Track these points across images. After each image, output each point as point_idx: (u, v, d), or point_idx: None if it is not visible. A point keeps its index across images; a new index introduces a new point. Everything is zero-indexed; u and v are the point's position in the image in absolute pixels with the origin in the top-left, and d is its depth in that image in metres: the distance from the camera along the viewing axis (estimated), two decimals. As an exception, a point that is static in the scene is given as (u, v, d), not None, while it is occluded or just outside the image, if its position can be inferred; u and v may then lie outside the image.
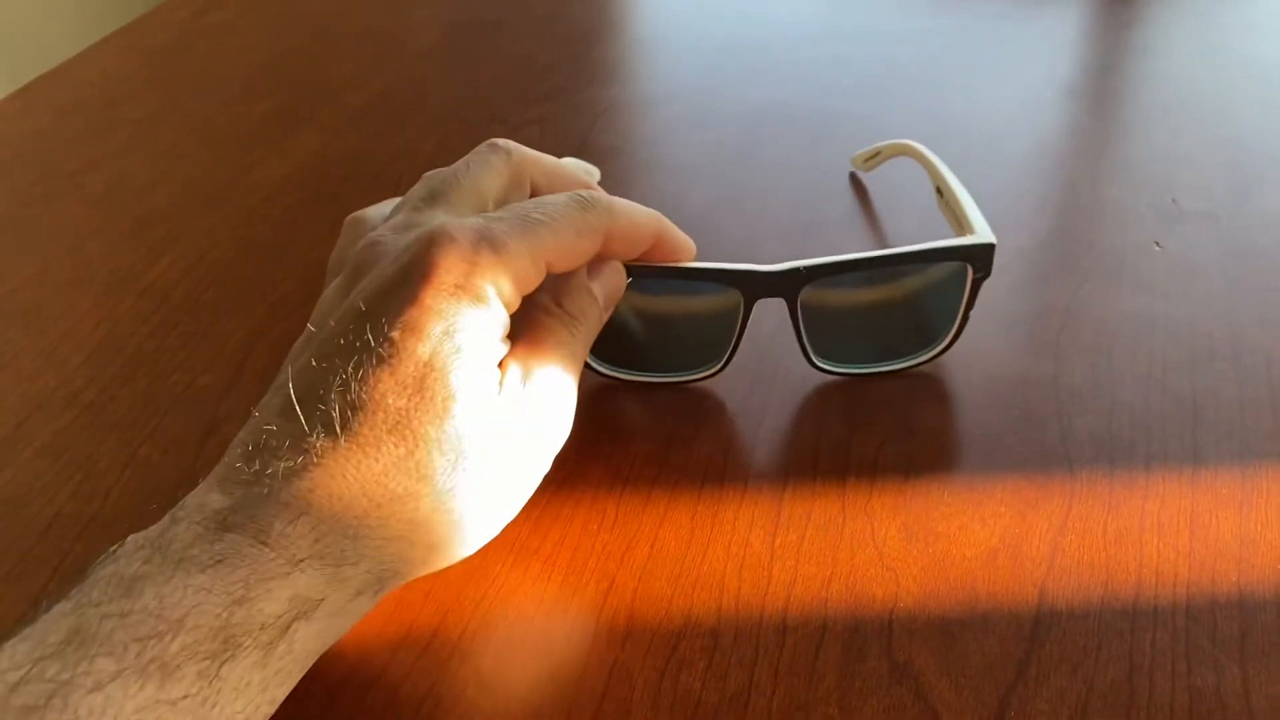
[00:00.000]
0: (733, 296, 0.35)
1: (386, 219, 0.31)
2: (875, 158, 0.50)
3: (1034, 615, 0.29)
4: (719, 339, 0.36)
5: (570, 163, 0.38)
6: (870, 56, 0.63)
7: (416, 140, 0.55)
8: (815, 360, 0.37)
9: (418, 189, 0.32)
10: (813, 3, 0.70)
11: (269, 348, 0.40)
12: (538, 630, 0.29)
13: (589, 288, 0.32)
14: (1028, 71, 0.61)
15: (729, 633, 0.29)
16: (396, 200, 0.33)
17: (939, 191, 0.42)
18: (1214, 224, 0.46)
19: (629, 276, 0.33)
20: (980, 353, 0.39)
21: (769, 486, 0.33)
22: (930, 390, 0.37)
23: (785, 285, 0.35)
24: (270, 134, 0.57)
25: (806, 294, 0.35)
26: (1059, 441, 0.35)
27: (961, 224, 0.38)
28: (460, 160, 0.33)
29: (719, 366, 0.37)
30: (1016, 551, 0.31)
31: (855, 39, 0.66)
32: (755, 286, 0.34)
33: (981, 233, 0.36)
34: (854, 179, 0.50)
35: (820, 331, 0.36)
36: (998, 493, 0.33)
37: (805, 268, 0.34)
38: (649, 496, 0.33)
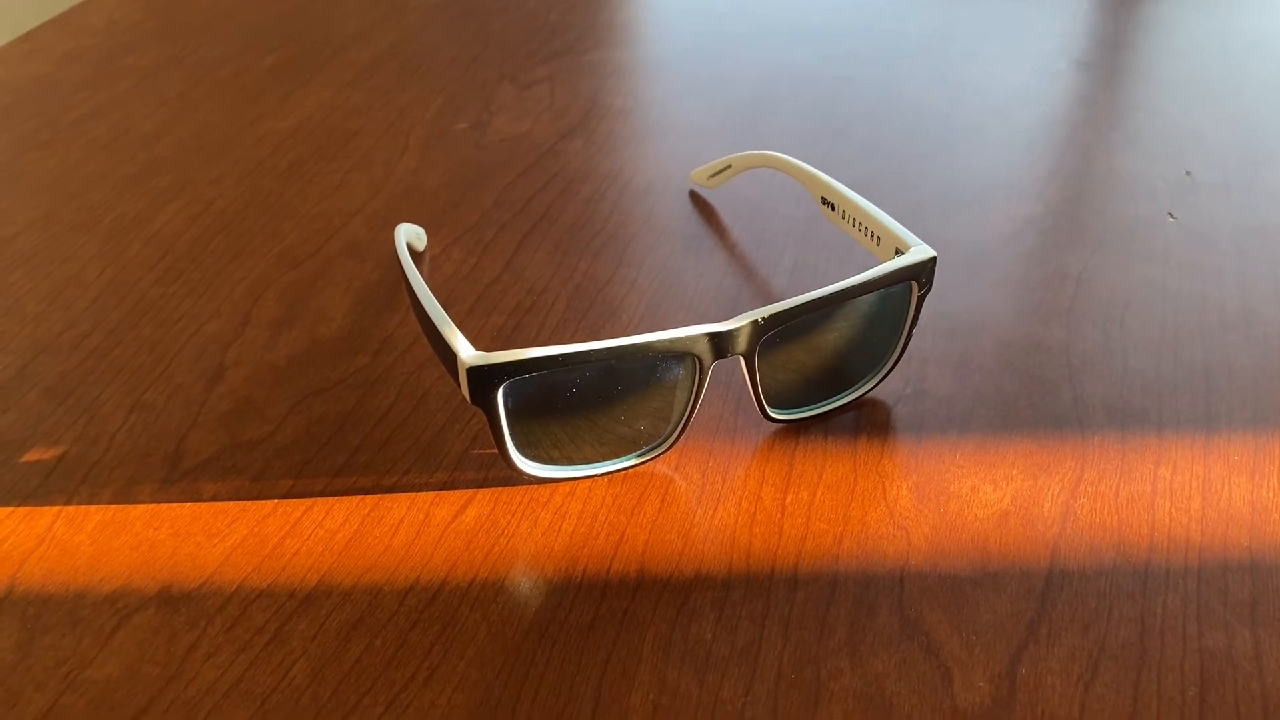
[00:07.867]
0: (687, 364, 0.31)
1: None
2: (723, 173, 0.44)
3: (1045, 575, 0.29)
4: (668, 408, 0.32)
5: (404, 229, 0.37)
6: (882, 24, 0.63)
7: (424, 96, 0.55)
8: (771, 412, 0.33)
9: None
10: (825, -30, 0.69)
11: (276, 296, 0.39)
12: (548, 579, 0.29)
13: None
14: (1040, 43, 0.61)
15: (740, 586, 0.29)
16: None
17: (827, 203, 0.39)
18: (1227, 197, 0.46)
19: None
20: (992, 318, 0.39)
21: (781, 445, 0.33)
22: (942, 355, 0.37)
23: (744, 343, 0.31)
24: (277, 87, 0.56)
25: (761, 347, 0.32)
26: (1071, 407, 0.35)
27: (873, 236, 0.36)
28: None
29: (673, 437, 0.32)
30: (1028, 513, 0.31)
31: (867, 6, 0.65)
32: (711, 351, 0.31)
33: (918, 247, 0.33)
34: (694, 197, 0.46)
35: (773, 380, 0.33)
36: (1009, 455, 0.33)
37: (763, 319, 0.31)
38: (659, 451, 0.33)
